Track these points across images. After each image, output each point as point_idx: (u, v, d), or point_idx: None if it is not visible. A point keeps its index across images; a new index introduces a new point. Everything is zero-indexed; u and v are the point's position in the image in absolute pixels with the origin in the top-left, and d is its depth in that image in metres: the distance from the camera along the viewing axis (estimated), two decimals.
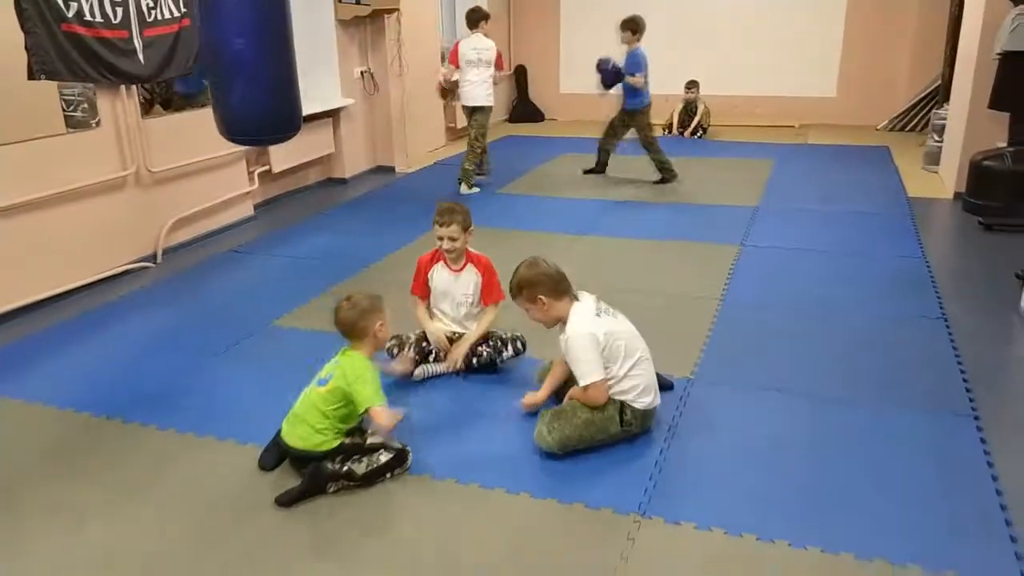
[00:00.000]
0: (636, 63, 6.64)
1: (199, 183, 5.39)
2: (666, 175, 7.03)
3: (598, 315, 2.84)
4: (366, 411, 2.68)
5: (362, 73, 7.35)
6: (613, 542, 2.40)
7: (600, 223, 5.84)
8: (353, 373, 2.69)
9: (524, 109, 10.94)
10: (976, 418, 3.08)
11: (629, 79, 6.67)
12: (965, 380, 3.38)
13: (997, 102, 5.69)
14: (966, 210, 5.91)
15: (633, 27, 6.65)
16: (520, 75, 11.00)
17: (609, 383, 2.84)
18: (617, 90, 6.91)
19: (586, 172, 7.42)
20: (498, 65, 6.84)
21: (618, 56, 6.81)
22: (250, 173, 5.93)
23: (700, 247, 5.27)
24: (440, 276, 3.53)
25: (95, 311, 4.33)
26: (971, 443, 2.92)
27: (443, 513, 2.58)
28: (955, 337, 3.80)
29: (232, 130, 3.50)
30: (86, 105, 4.57)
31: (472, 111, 6.85)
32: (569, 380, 3.00)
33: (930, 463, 2.79)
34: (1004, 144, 5.84)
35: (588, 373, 2.79)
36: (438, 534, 2.48)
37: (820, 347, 3.74)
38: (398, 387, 3.33)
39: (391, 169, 7.75)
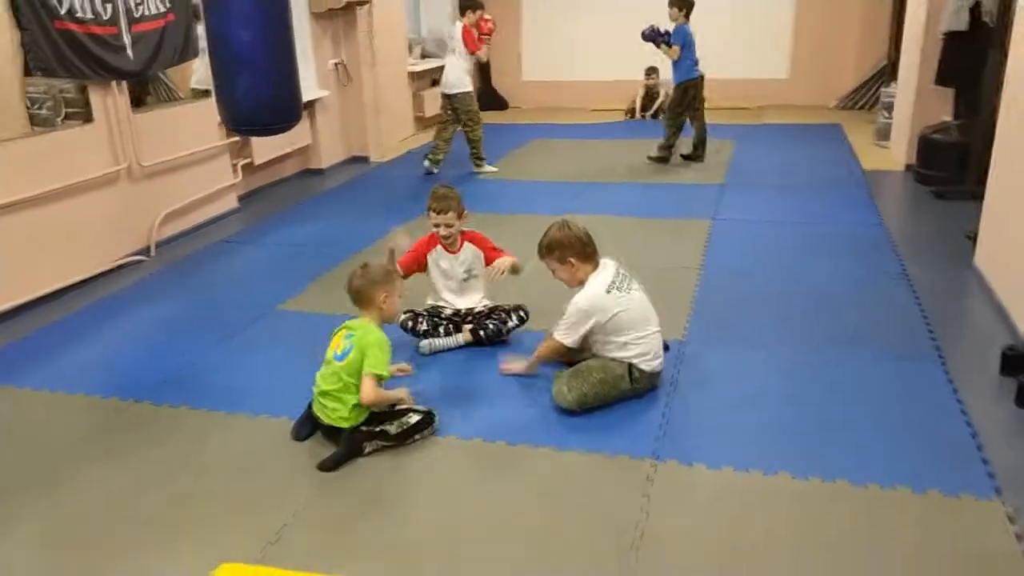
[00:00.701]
0: (678, 35, 6.97)
1: (186, 176, 5.49)
2: (663, 153, 7.32)
3: (608, 292, 3.08)
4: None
5: (336, 65, 7.47)
6: (634, 483, 2.65)
7: (577, 203, 6.08)
8: (366, 341, 2.85)
9: (488, 97, 11.11)
10: (942, 361, 3.41)
11: (665, 48, 7.01)
12: (929, 329, 3.71)
13: (942, 78, 6.08)
14: (918, 181, 6.30)
15: (680, 4, 7.01)
16: (482, 64, 11.15)
17: (610, 344, 3.10)
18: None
19: (683, 156, 7.41)
20: (468, 45, 7.01)
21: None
22: (234, 166, 6.03)
23: (675, 223, 5.55)
24: (441, 260, 3.70)
25: (100, 303, 4.43)
26: (939, 382, 3.24)
27: (476, 467, 2.81)
28: (917, 292, 4.14)
29: (237, 120, 3.66)
30: (51, 103, 4.58)
31: (448, 98, 7.03)
32: (574, 351, 3.24)
33: (905, 401, 3.11)
34: (950, 118, 6.24)
35: (563, 332, 3.12)
36: (475, 486, 2.71)
37: (796, 306, 4.05)
38: (411, 359, 3.52)
39: (365, 159, 7.89)
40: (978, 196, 4.55)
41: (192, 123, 5.52)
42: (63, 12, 4.32)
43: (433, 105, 9.65)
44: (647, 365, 3.14)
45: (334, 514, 2.57)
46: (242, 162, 6.15)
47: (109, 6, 4.62)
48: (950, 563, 2.27)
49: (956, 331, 3.77)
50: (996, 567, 2.25)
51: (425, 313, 3.69)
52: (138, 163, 5.00)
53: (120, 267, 4.91)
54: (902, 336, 3.68)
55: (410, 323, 3.63)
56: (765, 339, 3.68)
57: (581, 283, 3.14)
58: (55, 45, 4.29)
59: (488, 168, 7.28)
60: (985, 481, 2.61)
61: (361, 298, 2.96)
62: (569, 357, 3.27)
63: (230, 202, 6.03)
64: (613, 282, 3.10)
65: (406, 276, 3.59)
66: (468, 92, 7.06)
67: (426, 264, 3.70)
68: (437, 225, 3.59)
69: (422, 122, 9.36)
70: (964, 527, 2.41)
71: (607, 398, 3.08)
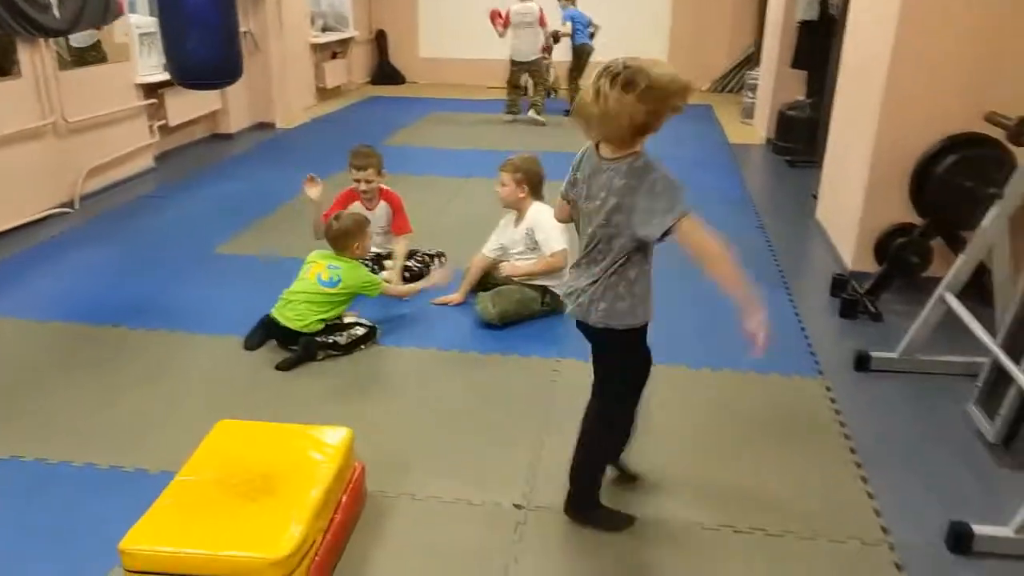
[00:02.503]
0: (567, 17, 8.91)
1: (108, 134, 5.71)
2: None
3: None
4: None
5: (244, 33, 7.71)
6: (544, 375, 3.28)
7: (482, 167, 6.61)
8: (359, 278, 3.46)
9: (385, 72, 11.50)
10: (787, 287, 4.22)
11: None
12: (778, 265, 4.53)
13: (796, 62, 7.01)
14: (775, 152, 7.24)
15: None
16: (380, 39, 11.53)
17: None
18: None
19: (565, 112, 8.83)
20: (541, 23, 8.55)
21: None
22: (150, 126, 6.26)
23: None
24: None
25: (37, 249, 4.68)
26: (784, 302, 4.04)
27: (414, 368, 3.36)
28: (770, 239, 4.97)
29: (187, 75, 4.02)
30: None
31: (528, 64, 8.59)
32: (488, 274, 3.84)
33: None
34: (803, 97, 7.19)
35: (558, 240, 3.67)
36: (413, 380, 3.26)
37: (674, 252, 4.76)
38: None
39: (272, 125, 8.18)
40: (823, 164, 5.42)
41: (113, 83, 5.74)
42: None
43: (334, 76, 10.01)
44: (558, 289, 3.77)
45: (296, 404, 3.06)
46: (158, 123, 6.37)
47: None
48: (785, 420, 3.01)
49: (798, 266, 4.61)
50: (817, 423, 3.00)
51: None
52: (63, 119, 5.21)
53: (45, 218, 5.12)
54: (757, 271, 4.44)
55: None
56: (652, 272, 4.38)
57: (515, 207, 3.76)
58: None
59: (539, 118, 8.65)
60: (812, 367, 3.39)
61: (339, 244, 3.48)
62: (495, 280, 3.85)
63: (147, 161, 6.27)
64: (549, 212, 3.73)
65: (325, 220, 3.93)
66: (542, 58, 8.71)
67: None
68: (358, 180, 4.00)
69: (323, 92, 9.68)
70: (795, 397, 3.17)
71: (523, 315, 3.70)
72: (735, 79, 10.81)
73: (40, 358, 3.39)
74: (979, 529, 2.32)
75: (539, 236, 3.74)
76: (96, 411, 2.97)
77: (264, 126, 8.15)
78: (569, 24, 8.87)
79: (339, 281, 3.41)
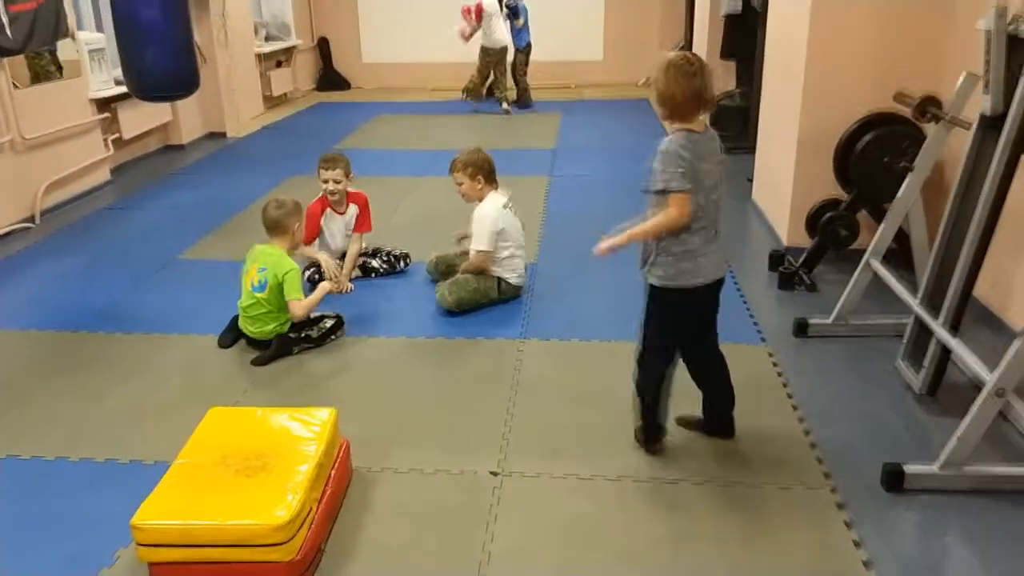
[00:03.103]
0: (523, 11, 9.43)
1: (64, 149, 5.77)
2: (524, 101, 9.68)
3: (504, 208, 3.93)
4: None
5: None
6: (509, 355, 3.51)
7: (433, 167, 6.83)
8: (282, 270, 3.46)
9: (329, 78, 11.60)
10: (729, 267, 4.50)
11: (512, 21, 9.36)
12: None
13: (725, 53, 7.36)
14: None
15: None
16: (323, 46, 11.62)
17: (493, 260, 3.92)
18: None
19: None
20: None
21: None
22: (105, 140, 6.31)
23: (519, 179, 6.41)
24: (330, 221, 4.27)
25: (3, 261, 4.76)
26: (727, 281, 4.31)
27: (385, 352, 3.56)
28: None
29: (145, 88, 4.13)
30: None
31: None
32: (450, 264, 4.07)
33: None
34: (734, 87, 7.54)
35: (482, 241, 3.88)
36: (387, 366, 3.45)
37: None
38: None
39: (223, 134, 8.25)
40: (756, 149, 5.75)
41: (67, 99, 5.80)
42: None
43: (280, 84, 10.09)
44: (515, 280, 4.01)
45: (277, 393, 3.23)
46: (112, 137, 6.43)
47: None
48: (734, 380, 3.28)
49: (738, 245, 4.91)
50: (762, 385, 3.28)
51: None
52: (20, 136, 5.26)
53: (7, 234, 5.17)
54: None
55: (316, 276, 4.15)
56: (596, 260, 4.63)
57: (478, 198, 3.95)
58: None
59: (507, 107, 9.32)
60: (754, 334, 3.68)
61: (278, 227, 3.57)
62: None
63: (103, 174, 6.33)
64: (506, 203, 3.96)
65: (308, 243, 4.09)
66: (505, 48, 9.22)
67: (320, 227, 4.26)
68: (326, 181, 4.15)
69: (270, 100, 9.75)
70: (741, 362, 3.38)
71: (479, 303, 3.92)
72: None
73: (22, 364, 3.50)
74: (909, 468, 2.61)
75: (474, 229, 3.96)
76: (85, 410, 3.11)
77: (215, 135, 8.21)
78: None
79: (266, 282, 3.43)
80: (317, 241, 4.27)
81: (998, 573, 2.26)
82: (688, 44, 9.49)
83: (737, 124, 7.16)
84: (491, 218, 3.89)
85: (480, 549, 2.34)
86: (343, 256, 4.26)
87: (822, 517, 2.48)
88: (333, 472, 2.47)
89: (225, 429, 2.52)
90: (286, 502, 2.15)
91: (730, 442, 2.87)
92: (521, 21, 9.41)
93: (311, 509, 2.25)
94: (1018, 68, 2.74)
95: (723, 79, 7.67)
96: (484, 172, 3.96)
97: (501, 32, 9.13)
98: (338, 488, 2.49)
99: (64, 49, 5.87)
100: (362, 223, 4.33)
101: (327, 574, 2.25)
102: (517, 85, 9.70)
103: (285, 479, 2.25)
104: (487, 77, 9.42)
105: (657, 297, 2.64)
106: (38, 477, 2.71)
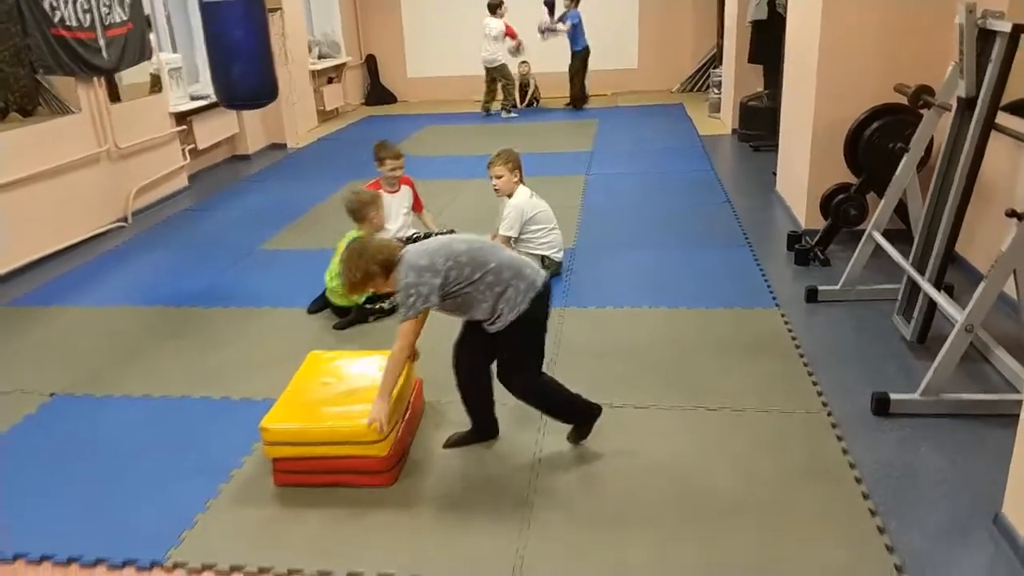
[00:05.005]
0: (572, 17, 10.30)
1: (149, 158, 6.47)
2: (576, 103, 10.58)
3: (531, 198, 4.48)
4: None
5: None
6: (552, 319, 4.02)
7: (477, 170, 7.38)
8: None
9: (377, 93, 12.30)
10: (751, 247, 4.99)
11: (560, 26, 10.35)
12: (744, 231, 5.31)
13: (753, 58, 7.83)
14: (740, 140, 8.05)
15: None
16: (371, 63, 12.34)
17: (531, 241, 4.47)
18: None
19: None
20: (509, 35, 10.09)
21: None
22: (183, 150, 7.01)
23: (559, 178, 6.98)
24: (385, 199, 4.89)
25: (106, 255, 5.43)
26: (747, 258, 4.81)
27: (447, 318, 4.09)
28: (736, 210, 5.75)
29: (232, 96, 4.77)
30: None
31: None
32: None
33: (726, 268, 4.66)
34: (761, 89, 8.00)
35: (512, 228, 4.45)
36: (448, 325, 3.99)
37: (653, 224, 5.56)
38: None
39: (283, 145, 8.96)
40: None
41: (152, 113, 6.51)
42: (56, 21, 5.27)
43: (332, 99, 10.79)
44: (556, 256, 4.55)
45: (357, 348, 3.79)
46: (188, 147, 7.13)
47: (88, 15, 5.57)
48: (749, 338, 3.77)
49: (760, 231, 5.38)
50: (774, 339, 3.75)
51: None
52: (116, 145, 5.96)
53: (105, 232, 5.85)
54: (725, 236, 5.25)
55: None
56: (631, 243, 5.17)
57: (509, 194, 4.49)
58: (52, 48, 5.24)
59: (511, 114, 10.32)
60: (770, 301, 4.16)
61: (356, 215, 4.16)
62: None
63: (182, 181, 7.02)
64: (531, 194, 4.50)
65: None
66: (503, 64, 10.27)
67: None
68: (393, 169, 4.73)
69: (323, 114, 10.46)
70: (757, 323, 3.94)
71: None
72: (702, 78, 11.65)
73: (141, 330, 4.15)
74: (895, 396, 3.08)
75: (505, 216, 4.51)
76: (199, 362, 3.72)
77: (277, 146, 8.91)
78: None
79: None
80: None
81: (960, 472, 2.72)
82: (719, 50, 9.97)
83: (765, 124, 7.62)
84: (520, 209, 4.44)
85: (532, 456, 2.87)
86: (399, 232, 4.85)
87: (818, 434, 2.96)
88: (411, 400, 3.02)
89: (324, 366, 3.07)
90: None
91: (742, 380, 3.36)
92: (568, 25, 10.29)
93: (397, 421, 2.79)
94: (987, 56, 3.21)
95: (752, 82, 8.16)
96: (520, 166, 4.51)
97: (491, 52, 10.17)
98: (415, 411, 3.04)
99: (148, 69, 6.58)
100: (418, 203, 4.91)
101: (410, 471, 2.81)
102: (572, 86, 10.66)
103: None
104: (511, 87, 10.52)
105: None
106: (168, 411, 3.31)
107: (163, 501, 2.72)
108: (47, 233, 5.28)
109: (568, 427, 2.96)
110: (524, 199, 4.49)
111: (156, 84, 6.84)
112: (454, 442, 2.99)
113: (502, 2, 10.17)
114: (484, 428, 3.01)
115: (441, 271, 2.61)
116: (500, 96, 10.57)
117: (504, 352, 2.81)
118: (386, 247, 2.72)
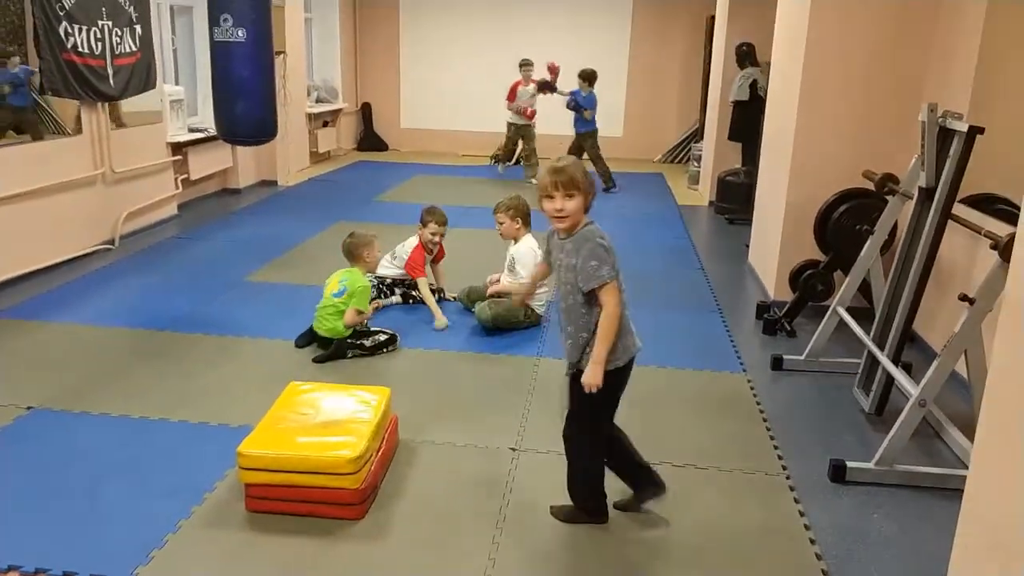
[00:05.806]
0: (588, 101, 9.52)
1: (143, 184, 6.59)
2: (608, 183, 9.52)
3: (537, 248, 4.65)
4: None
5: None
6: (527, 367, 4.16)
7: (463, 220, 7.60)
8: (355, 285, 4.23)
9: (369, 140, 12.55)
10: (721, 313, 5.18)
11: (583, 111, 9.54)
12: (715, 298, 5.50)
13: (732, 135, 8.17)
14: (717, 212, 8.33)
15: (588, 79, 9.50)
16: (366, 110, 12.62)
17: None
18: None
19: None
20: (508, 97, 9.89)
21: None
22: (175, 179, 7.13)
23: (541, 234, 7.18)
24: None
25: (91, 275, 5.50)
26: (718, 324, 4.98)
27: (425, 360, 4.22)
28: (708, 278, 5.96)
29: (233, 132, 4.93)
30: None
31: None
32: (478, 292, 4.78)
33: (698, 332, 4.83)
34: (739, 165, 8.33)
35: (525, 270, 4.58)
36: (427, 369, 4.11)
37: (629, 284, 5.63)
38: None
39: (274, 182, 9.11)
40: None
41: (148, 142, 6.64)
42: (69, 46, 5.43)
43: (326, 142, 11.00)
44: (538, 308, 4.70)
45: (336, 382, 3.88)
46: (181, 177, 7.25)
47: (99, 44, 5.74)
48: (714, 400, 3.91)
49: (731, 299, 5.58)
50: (738, 402, 3.91)
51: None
52: (111, 169, 6.07)
53: (92, 253, 5.92)
54: (697, 302, 5.44)
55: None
56: None
57: (515, 239, 4.68)
58: (62, 72, 5.38)
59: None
60: (737, 366, 4.33)
61: (351, 255, 4.33)
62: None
63: (172, 209, 7.13)
64: (538, 245, 4.67)
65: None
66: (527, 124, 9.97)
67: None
68: (434, 233, 4.95)
69: (315, 156, 10.66)
70: (723, 386, 4.09)
71: (511, 322, 4.62)
72: (683, 151, 12.05)
73: (123, 351, 4.21)
74: (851, 464, 3.22)
75: (521, 262, 4.68)
76: (179, 386, 3.79)
77: (267, 183, 9.07)
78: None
79: (345, 289, 4.19)
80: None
81: (912, 539, 2.85)
82: (701, 126, 10.36)
83: (741, 198, 7.92)
84: (535, 253, 4.60)
85: (500, 498, 2.97)
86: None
87: (776, 495, 3.09)
88: (386, 435, 3.11)
89: (303, 396, 3.17)
90: (356, 443, 2.79)
91: (705, 440, 3.49)
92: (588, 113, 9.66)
93: (372, 454, 2.88)
94: (946, 152, 3.45)
95: (730, 158, 8.48)
96: (523, 215, 4.73)
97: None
98: (390, 446, 3.13)
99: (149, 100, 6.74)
100: (441, 251, 5.16)
101: (382, 505, 2.89)
102: (597, 167, 9.83)
103: (354, 431, 2.89)
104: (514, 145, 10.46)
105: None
106: (145, 431, 3.37)
107: (134, 519, 2.77)
108: (34, 249, 5.34)
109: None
110: (533, 244, 4.69)
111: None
112: (623, 507, 2.94)
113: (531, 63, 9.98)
114: (645, 480, 2.93)
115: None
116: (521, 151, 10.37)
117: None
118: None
